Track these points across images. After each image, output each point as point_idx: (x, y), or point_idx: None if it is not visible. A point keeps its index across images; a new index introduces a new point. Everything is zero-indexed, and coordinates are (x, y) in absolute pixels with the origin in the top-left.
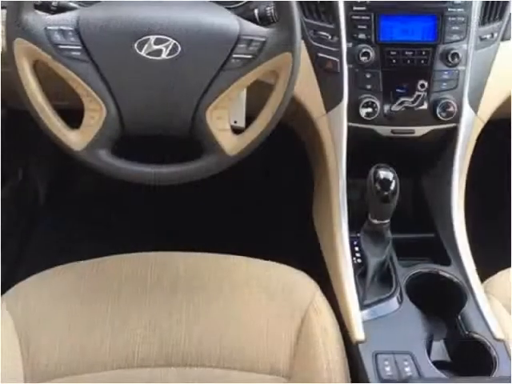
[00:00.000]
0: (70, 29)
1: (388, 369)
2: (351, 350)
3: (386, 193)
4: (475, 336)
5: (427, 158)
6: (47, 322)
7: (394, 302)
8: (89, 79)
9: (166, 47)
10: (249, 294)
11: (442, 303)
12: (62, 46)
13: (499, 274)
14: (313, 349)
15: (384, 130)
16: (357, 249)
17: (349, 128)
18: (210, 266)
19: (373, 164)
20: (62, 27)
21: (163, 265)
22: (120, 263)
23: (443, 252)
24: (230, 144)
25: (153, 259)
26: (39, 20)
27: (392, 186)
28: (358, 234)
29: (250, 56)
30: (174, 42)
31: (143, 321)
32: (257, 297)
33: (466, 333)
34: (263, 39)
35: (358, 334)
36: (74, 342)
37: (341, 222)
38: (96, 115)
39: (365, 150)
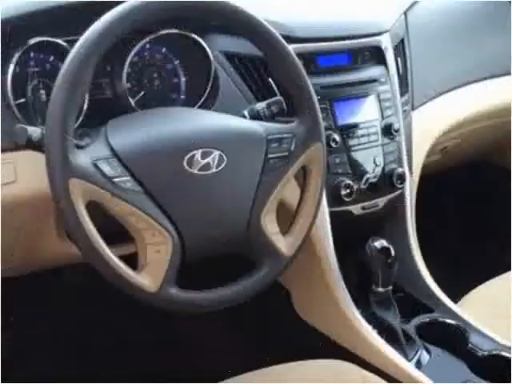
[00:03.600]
0: (110, 156)
1: None
2: None
3: (389, 260)
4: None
5: (388, 223)
6: None
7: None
8: (148, 210)
9: (213, 160)
10: None
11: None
12: (115, 180)
13: None
14: None
15: (356, 209)
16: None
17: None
18: None
19: (346, 241)
20: (107, 158)
21: None
22: None
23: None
24: (287, 245)
25: None
26: (84, 156)
27: (392, 252)
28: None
29: (285, 153)
30: (219, 152)
31: None
32: None
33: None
34: (291, 135)
35: None
36: None
37: (345, 298)
38: (162, 248)
39: (339, 230)
